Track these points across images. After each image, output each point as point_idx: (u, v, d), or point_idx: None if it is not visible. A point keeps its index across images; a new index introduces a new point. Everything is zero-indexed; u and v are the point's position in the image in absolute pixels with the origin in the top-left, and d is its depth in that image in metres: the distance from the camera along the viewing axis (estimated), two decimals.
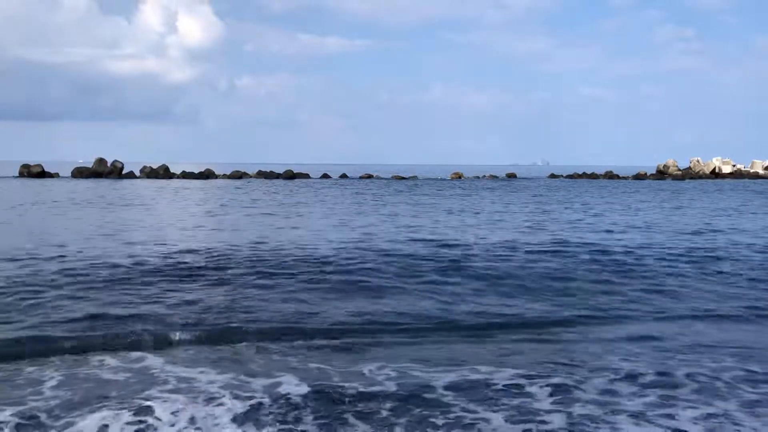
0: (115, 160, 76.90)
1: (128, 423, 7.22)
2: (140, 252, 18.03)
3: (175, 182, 68.93)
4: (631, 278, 15.66)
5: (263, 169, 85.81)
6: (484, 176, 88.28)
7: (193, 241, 21.03)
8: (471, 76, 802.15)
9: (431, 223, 27.16)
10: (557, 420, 7.47)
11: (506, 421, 7.43)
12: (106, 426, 7.14)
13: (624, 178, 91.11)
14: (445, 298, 13.46)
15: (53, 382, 8.48)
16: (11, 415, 7.36)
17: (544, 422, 7.40)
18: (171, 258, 17.12)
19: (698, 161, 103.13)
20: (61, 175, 74.74)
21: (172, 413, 7.50)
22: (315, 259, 17.21)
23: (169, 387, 8.36)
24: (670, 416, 7.61)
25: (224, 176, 79.85)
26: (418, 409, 7.72)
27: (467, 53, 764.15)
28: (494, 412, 7.67)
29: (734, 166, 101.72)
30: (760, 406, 7.90)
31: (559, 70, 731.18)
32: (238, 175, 79.44)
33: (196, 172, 79.57)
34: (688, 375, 8.93)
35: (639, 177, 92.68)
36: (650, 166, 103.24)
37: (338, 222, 27.68)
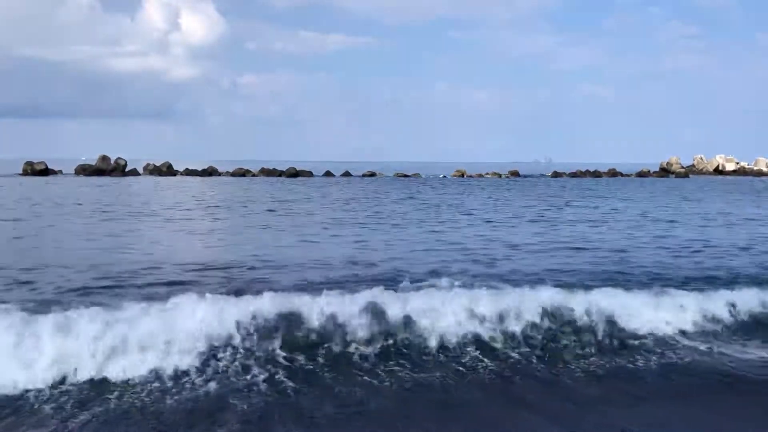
0: (118, 158, 76.92)
1: None
2: None
3: (184, 179, 68.93)
4: None
5: (266, 167, 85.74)
6: (487, 174, 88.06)
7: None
8: (474, 73, 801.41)
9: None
10: None
11: None
12: None
13: (627, 175, 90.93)
14: None
15: None
16: None
17: None
18: None
19: (701, 159, 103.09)
20: (64, 172, 74.86)
21: None
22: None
23: None
24: None
25: (227, 174, 79.88)
26: None
27: (470, 51, 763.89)
28: None
29: (738, 163, 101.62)
30: None
31: (562, 68, 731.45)
32: (241, 173, 79.38)
33: (199, 169, 79.70)
34: None
35: (642, 175, 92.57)
36: (654, 163, 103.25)
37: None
